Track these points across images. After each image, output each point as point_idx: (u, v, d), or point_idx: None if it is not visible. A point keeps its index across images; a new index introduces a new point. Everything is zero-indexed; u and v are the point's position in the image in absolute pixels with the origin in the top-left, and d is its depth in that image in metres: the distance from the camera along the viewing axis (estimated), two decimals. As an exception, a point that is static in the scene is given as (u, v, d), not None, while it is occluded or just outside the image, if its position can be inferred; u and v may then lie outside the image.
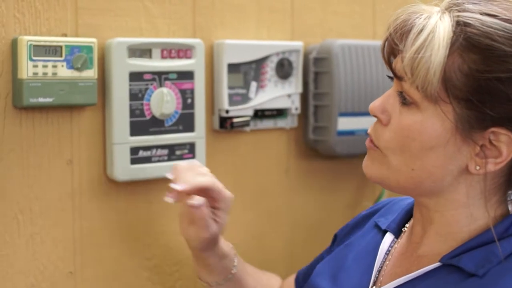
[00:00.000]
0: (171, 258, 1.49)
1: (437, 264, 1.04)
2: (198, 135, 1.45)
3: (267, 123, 1.60)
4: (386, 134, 1.05)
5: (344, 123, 1.63)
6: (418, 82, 0.98)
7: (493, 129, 0.98)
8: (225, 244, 1.32)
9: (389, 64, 1.05)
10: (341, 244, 1.28)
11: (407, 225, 1.17)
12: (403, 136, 1.02)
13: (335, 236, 1.34)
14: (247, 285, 1.36)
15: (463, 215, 1.05)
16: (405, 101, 1.02)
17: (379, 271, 1.12)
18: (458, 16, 0.98)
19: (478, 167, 1.00)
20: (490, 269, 0.99)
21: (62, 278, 1.35)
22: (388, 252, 1.14)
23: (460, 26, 0.97)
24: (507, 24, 0.96)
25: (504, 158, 0.99)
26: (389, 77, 1.09)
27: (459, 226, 1.05)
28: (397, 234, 1.16)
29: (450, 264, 1.02)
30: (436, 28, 0.97)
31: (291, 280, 1.43)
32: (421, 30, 0.98)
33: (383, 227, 1.18)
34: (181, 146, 1.43)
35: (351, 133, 1.64)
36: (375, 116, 1.07)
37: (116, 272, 1.42)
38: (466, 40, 0.96)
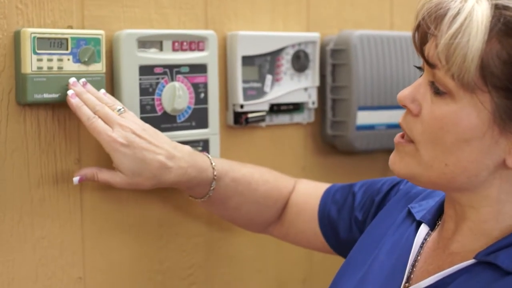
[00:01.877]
0: (185, 261, 1.45)
1: (472, 261, 0.99)
2: (212, 131, 1.41)
3: (283, 118, 1.56)
4: (418, 125, 1.00)
5: (364, 117, 1.58)
6: (454, 69, 0.93)
7: None
8: (196, 174, 1.27)
9: (421, 51, 0.99)
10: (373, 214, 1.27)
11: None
12: (436, 127, 0.97)
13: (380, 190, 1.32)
14: (234, 202, 1.35)
15: (498, 211, 1.00)
16: (438, 91, 0.97)
17: (412, 265, 1.08)
18: None
19: None
20: None
21: (71, 284, 1.31)
22: (422, 245, 1.09)
23: (499, 10, 0.92)
24: None
25: None
26: (417, 67, 1.04)
27: (493, 223, 1.00)
28: (432, 226, 1.11)
29: (486, 261, 0.97)
30: (474, 12, 0.92)
31: (306, 187, 1.41)
32: (457, 14, 0.92)
33: (418, 217, 1.13)
34: (194, 143, 1.39)
35: (370, 127, 1.60)
36: (404, 106, 1.02)
37: (127, 276, 1.38)
38: (506, 24, 0.91)
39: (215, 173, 1.29)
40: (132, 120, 1.23)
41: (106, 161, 1.31)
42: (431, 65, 0.97)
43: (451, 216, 1.06)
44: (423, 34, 0.98)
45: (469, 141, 0.95)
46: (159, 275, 1.42)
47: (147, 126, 1.24)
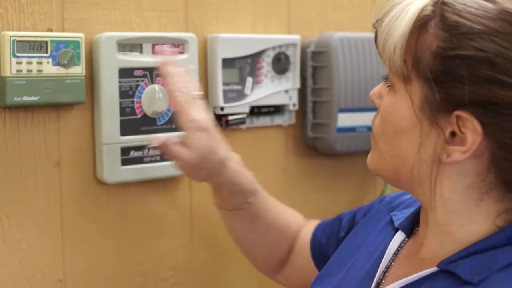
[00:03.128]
0: (166, 263, 1.45)
1: (434, 269, 0.98)
2: (192, 134, 1.40)
3: (264, 120, 1.56)
4: (377, 119, 1.03)
5: (344, 120, 1.58)
6: (385, 59, 0.97)
7: (457, 113, 0.92)
8: (242, 182, 1.32)
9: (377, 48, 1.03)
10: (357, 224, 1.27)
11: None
12: (383, 119, 1.01)
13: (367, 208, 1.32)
14: (261, 224, 1.36)
15: (454, 213, 0.98)
16: (388, 83, 1.01)
17: (384, 272, 1.07)
18: None
19: (445, 156, 0.94)
20: (487, 277, 0.92)
21: (51, 286, 1.31)
22: (396, 252, 1.09)
23: (438, 5, 0.94)
24: (485, 2, 0.91)
25: (469, 146, 0.92)
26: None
27: (453, 226, 0.99)
28: (408, 233, 1.11)
29: (447, 269, 0.96)
30: (410, 6, 0.94)
31: (312, 225, 1.40)
32: (393, 7, 0.96)
33: (396, 224, 1.13)
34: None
35: (351, 129, 1.60)
36: (373, 102, 1.06)
37: (108, 278, 1.38)
38: (440, 18, 0.93)
39: (255, 188, 1.33)
40: (205, 109, 1.27)
41: (86, 165, 1.32)
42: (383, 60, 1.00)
43: (422, 221, 1.06)
44: (375, 32, 1.01)
45: (404, 132, 0.97)
46: (140, 277, 1.41)
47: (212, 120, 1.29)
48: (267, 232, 1.37)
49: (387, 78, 1.02)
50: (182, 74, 1.27)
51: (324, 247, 1.34)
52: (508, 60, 0.89)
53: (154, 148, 1.28)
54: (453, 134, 0.94)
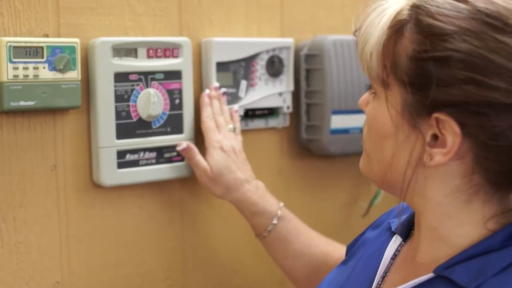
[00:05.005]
0: (163, 264, 1.46)
1: (431, 275, 0.97)
2: (187, 137, 1.42)
3: (258, 123, 1.57)
4: (365, 126, 1.04)
5: (338, 121, 1.59)
6: (363, 65, 0.98)
7: (436, 115, 0.91)
8: (263, 203, 1.40)
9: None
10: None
11: None
12: (368, 125, 1.02)
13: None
14: (294, 249, 1.41)
15: (444, 216, 0.98)
16: (372, 90, 1.01)
17: (382, 277, 1.07)
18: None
19: (428, 159, 0.94)
20: (483, 282, 0.91)
21: (49, 288, 1.32)
22: (394, 257, 1.08)
23: (414, 9, 0.93)
24: (458, 4, 0.91)
25: (450, 148, 0.92)
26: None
27: (444, 229, 0.98)
28: (405, 237, 1.10)
29: (442, 275, 0.95)
30: (386, 12, 0.95)
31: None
32: (370, 14, 0.96)
33: (393, 228, 1.13)
34: (169, 148, 1.41)
35: (344, 131, 1.61)
36: (363, 110, 1.05)
37: (105, 280, 1.39)
38: (415, 22, 0.92)
39: (279, 212, 1.40)
40: (236, 140, 1.43)
41: (83, 169, 1.33)
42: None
43: (416, 225, 1.05)
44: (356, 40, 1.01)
45: (387, 137, 0.97)
46: (137, 279, 1.42)
47: (243, 154, 1.44)
48: (304, 259, 1.40)
49: (370, 86, 1.01)
50: (223, 108, 1.45)
51: None
52: (481, 59, 0.88)
53: (181, 151, 1.39)
54: (435, 137, 0.93)
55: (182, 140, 1.40)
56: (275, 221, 1.39)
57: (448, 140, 0.92)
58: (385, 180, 1.01)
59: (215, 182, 1.38)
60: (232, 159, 1.39)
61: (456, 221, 0.97)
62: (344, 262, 1.21)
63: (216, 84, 1.45)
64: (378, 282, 1.06)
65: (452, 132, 0.91)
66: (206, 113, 1.42)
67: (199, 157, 1.39)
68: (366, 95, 1.05)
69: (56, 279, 1.32)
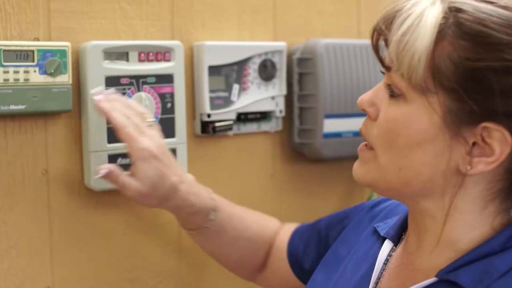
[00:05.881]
0: (154, 269, 1.45)
1: (433, 279, 0.97)
2: (179, 141, 1.41)
3: (251, 127, 1.56)
4: (375, 129, 0.99)
5: (330, 125, 1.59)
6: (403, 69, 0.93)
7: (484, 124, 0.91)
8: (199, 202, 1.29)
9: (378, 54, 0.99)
10: (336, 237, 1.25)
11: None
12: (389, 130, 0.97)
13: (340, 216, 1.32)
14: (228, 237, 1.36)
15: (459, 222, 0.98)
16: (392, 93, 0.97)
17: (376, 283, 1.06)
18: (451, 2, 0.93)
19: (469, 167, 0.93)
20: (489, 285, 0.92)
21: (40, 293, 1.31)
22: (386, 262, 1.08)
23: (453, 12, 0.92)
24: (504, 11, 0.91)
25: (497, 157, 0.92)
26: (383, 72, 1.03)
27: (455, 235, 0.98)
28: (396, 241, 1.10)
29: (447, 279, 0.95)
30: (425, 13, 0.92)
31: (288, 229, 1.40)
32: (409, 15, 0.93)
33: (382, 233, 1.12)
34: (161, 152, 1.39)
35: (337, 135, 1.61)
36: (363, 110, 1.02)
37: (96, 285, 1.38)
38: (458, 26, 0.91)
39: (214, 204, 1.32)
40: (158, 135, 1.26)
41: (74, 173, 1.32)
42: (387, 68, 0.97)
43: (414, 230, 1.05)
44: (377, 38, 0.98)
45: (421, 144, 0.94)
46: (128, 284, 1.42)
47: (166, 146, 1.27)
48: (237, 244, 1.38)
49: (390, 87, 0.97)
50: (128, 104, 1.26)
51: (301, 255, 1.34)
52: None
53: (102, 178, 1.23)
54: (473, 144, 0.93)
55: (175, 144, 1.39)
56: (212, 217, 1.32)
57: (496, 149, 0.91)
58: (402, 187, 0.98)
59: (149, 196, 1.24)
60: (164, 163, 1.23)
61: (467, 226, 0.98)
62: (326, 265, 1.20)
63: (100, 88, 1.28)
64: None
65: (501, 141, 0.91)
66: (118, 119, 1.22)
67: (123, 177, 1.22)
68: (370, 95, 1.01)
69: (47, 283, 1.32)
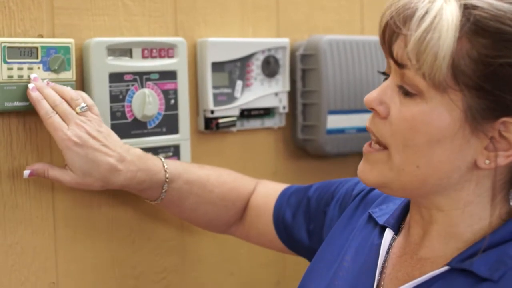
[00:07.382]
0: (157, 265, 1.46)
1: (445, 268, 0.98)
2: (183, 137, 1.42)
3: (254, 123, 1.56)
4: (387, 127, 0.98)
5: (334, 121, 1.59)
6: (425, 68, 0.92)
7: (504, 119, 0.93)
8: (148, 176, 1.27)
9: (389, 51, 0.97)
10: (325, 210, 1.28)
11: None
12: (406, 128, 0.96)
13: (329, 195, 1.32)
14: (190, 203, 1.35)
15: (468, 214, 0.99)
16: (407, 92, 0.96)
17: (380, 272, 1.06)
18: None
19: (487, 161, 0.95)
20: (506, 272, 0.93)
21: (44, 289, 1.31)
22: (388, 251, 1.08)
23: (468, 9, 0.92)
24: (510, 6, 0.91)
25: None
26: (381, 72, 1.03)
27: (463, 226, 1.00)
28: (396, 230, 1.10)
29: (460, 268, 0.96)
30: (443, 10, 0.91)
31: (266, 187, 1.41)
32: (426, 13, 0.92)
33: (381, 221, 1.12)
34: (165, 148, 1.40)
35: (341, 131, 1.61)
36: (371, 108, 1.00)
37: (100, 281, 1.38)
38: (475, 23, 0.91)
39: (167, 176, 1.30)
40: (90, 120, 1.22)
41: (77, 168, 1.32)
42: (400, 65, 0.95)
43: (417, 221, 1.05)
44: (391, 34, 0.96)
45: (440, 141, 0.95)
46: (132, 280, 1.42)
47: (104, 127, 1.24)
48: (201, 209, 1.36)
49: (403, 88, 0.96)
50: (61, 90, 1.24)
51: (289, 223, 1.34)
52: None
53: (30, 176, 1.23)
54: (490, 138, 0.94)
55: (178, 140, 1.40)
56: (165, 188, 1.29)
57: None
58: (418, 185, 0.98)
59: (87, 183, 1.22)
60: (94, 148, 1.20)
61: (476, 217, 1.00)
62: (323, 257, 1.20)
63: (34, 75, 1.23)
64: (378, 278, 1.06)
65: None
66: (43, 110, 1.20)
67: (53, 171, 1.22)
68: (378, 93, 1.00)
69: (51, 279, 1.32)
